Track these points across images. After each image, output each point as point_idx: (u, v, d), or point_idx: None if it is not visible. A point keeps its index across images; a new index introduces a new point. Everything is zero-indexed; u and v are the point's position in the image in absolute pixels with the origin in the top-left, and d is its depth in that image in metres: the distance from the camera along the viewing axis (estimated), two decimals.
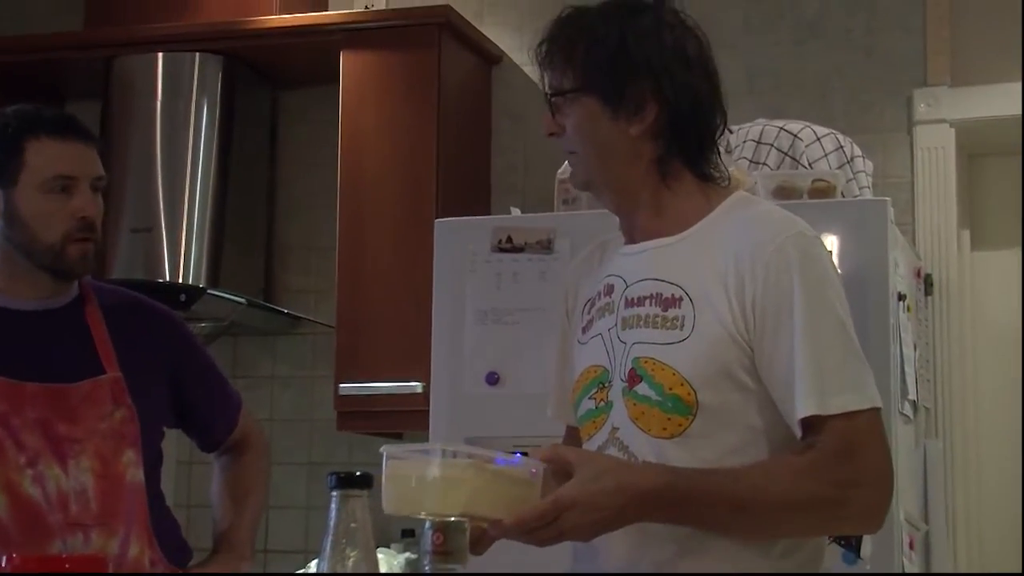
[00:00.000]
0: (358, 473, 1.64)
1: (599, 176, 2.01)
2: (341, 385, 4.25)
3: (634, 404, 1.95)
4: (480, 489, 1.74)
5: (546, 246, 3.58)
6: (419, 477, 1.72)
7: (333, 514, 1.63)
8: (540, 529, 1.77)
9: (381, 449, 1.80)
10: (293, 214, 4.79)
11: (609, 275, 2.05)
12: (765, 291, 1.90)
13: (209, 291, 4.32)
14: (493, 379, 3.54)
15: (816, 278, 1.92)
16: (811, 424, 1.87)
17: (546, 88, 2.02)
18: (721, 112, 2.02)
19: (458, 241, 3.64)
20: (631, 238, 2.06)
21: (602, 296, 2.05)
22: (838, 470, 1.84)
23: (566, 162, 2.33)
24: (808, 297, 1.90)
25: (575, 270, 2.18)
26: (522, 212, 3.77)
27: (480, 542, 1.84)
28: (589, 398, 2.02)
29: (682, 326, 1.92)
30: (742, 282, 1.91)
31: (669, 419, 1.91)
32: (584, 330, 2.08)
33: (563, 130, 2.01)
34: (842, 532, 1.88)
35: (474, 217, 3.86)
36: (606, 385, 2.00)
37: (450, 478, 1.72)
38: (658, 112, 1.96)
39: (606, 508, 1.77)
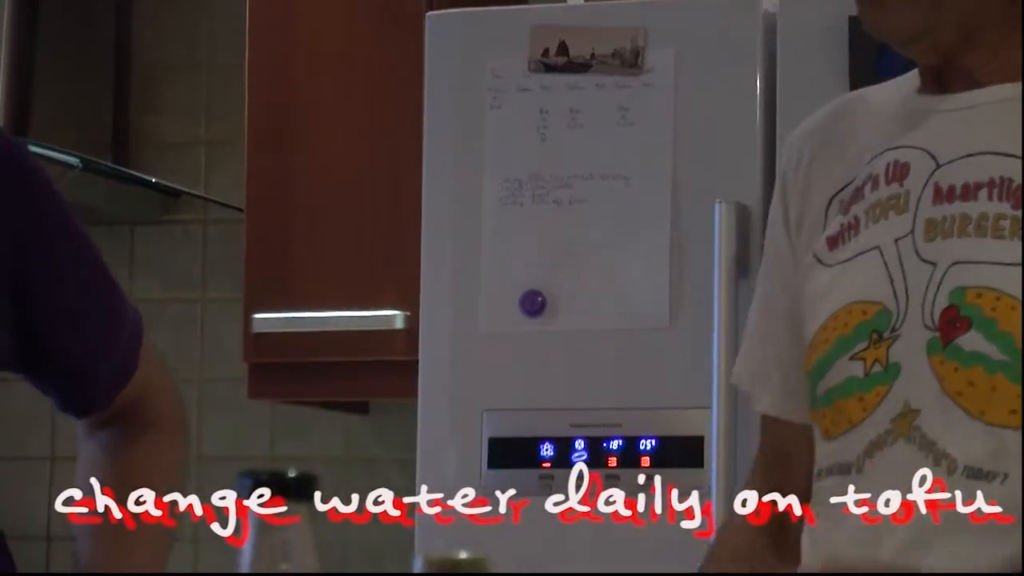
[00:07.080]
0: (291, 474, 1.38)
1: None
2: (256, 316, 3.79)
3: (955, 369, 1.84)
4: None
5: (630, 61, 3.35)
6: None
7: (249, 548, 1.36)
8: None
9: None
10: (163, 7, 4.42)
11: (895, 146, 1.96)
12: None
13: None
14: (535, 305, 3.24)
15: None
16: None
17: None
18: None
19: (467, 53, 3.41)
20: (941, 86, 1.98)
21: (879, 183, 1.95)
22: None
23: None
24: None
25: (801, 140, 2.09)
26: None
27: None
28: (851, 358, 1.92)
29: None
30: None
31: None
32: (833, 242, 1.97)
33: None
34: None
35: (496, 8, 3.60)
36: (885, 336, 1.90)
37: None
38: None
39: None
